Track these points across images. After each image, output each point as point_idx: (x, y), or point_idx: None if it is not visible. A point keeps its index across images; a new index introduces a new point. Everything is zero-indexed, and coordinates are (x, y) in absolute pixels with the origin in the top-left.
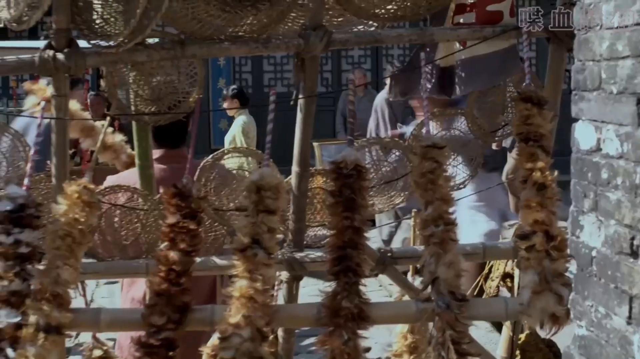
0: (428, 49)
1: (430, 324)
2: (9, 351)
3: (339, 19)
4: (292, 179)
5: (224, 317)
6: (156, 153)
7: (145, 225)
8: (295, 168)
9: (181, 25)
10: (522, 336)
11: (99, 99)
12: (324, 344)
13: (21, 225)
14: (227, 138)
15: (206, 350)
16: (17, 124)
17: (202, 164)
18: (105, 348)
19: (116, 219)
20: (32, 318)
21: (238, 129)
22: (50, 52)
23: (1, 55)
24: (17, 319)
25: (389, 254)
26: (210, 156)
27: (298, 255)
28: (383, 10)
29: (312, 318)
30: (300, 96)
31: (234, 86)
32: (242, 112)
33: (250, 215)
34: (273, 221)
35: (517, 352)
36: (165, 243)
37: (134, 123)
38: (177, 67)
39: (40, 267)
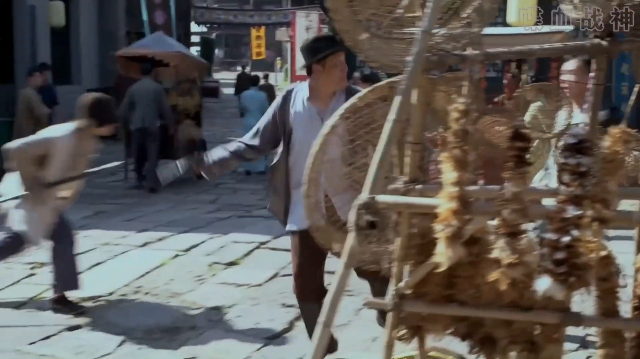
0: None
1: None
2: (574, 232)
3: None
4: None
5: None
6: None
7: None
8: None
9: None
10: None
11: (515, 80)
12: None
13: (581, 152)
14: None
15: None
16: None
17: None
18: None
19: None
20: (588, 212)
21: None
22: (596, 40)
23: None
24: (579, 213)
25: None
26: None
27: None
28: None
29: None
30: None
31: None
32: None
33: None
34: None
35: None
36: None
37: None
38: None
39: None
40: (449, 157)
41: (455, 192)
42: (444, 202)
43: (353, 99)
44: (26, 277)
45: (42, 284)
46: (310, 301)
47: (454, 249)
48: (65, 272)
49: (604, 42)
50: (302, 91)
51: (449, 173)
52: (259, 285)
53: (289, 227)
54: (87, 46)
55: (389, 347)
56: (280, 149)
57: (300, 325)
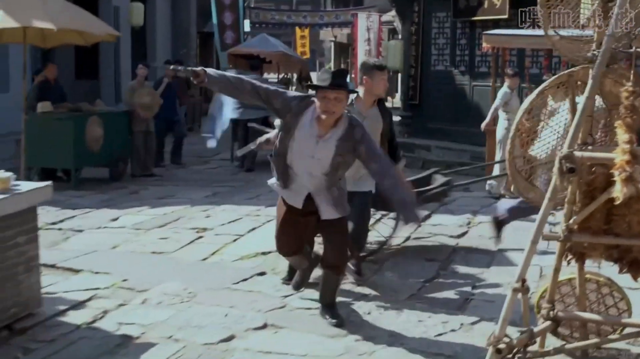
0: None
1: None
2: None
3: None
4: None
5: None
6: None
7: None
8: None
9: None
10: None
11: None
12: None
13: None
14: None
15: None
16: None
17: None
18: None
19: None
20: None
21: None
22: None
23: None
24: None
25: None
26: None
27: None
28: None
29: None
30: None
31: None
32: None
33: None
34: None
35: None
36: None
37: None
38: None
39: None
40: (622, 124)
41: (628, 148)
42: (619, 155)
43: (545, 84)
44: (195, 239)
45: (212, 243)
46: (287, 255)
47: (628, 187)
48: None
49: None
50: (313, 110)
51: (622, 135)
52: (398, 245)
53: (290, 201)
54: (162, 44)
55: (557, 271)
56: (277, 141)
57: (445, 274)
